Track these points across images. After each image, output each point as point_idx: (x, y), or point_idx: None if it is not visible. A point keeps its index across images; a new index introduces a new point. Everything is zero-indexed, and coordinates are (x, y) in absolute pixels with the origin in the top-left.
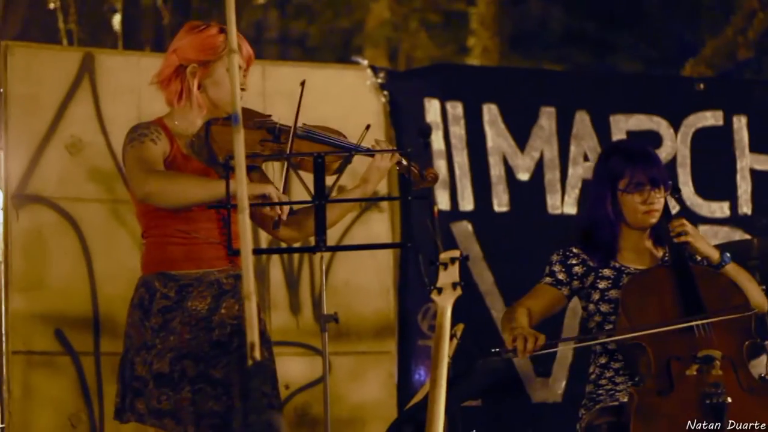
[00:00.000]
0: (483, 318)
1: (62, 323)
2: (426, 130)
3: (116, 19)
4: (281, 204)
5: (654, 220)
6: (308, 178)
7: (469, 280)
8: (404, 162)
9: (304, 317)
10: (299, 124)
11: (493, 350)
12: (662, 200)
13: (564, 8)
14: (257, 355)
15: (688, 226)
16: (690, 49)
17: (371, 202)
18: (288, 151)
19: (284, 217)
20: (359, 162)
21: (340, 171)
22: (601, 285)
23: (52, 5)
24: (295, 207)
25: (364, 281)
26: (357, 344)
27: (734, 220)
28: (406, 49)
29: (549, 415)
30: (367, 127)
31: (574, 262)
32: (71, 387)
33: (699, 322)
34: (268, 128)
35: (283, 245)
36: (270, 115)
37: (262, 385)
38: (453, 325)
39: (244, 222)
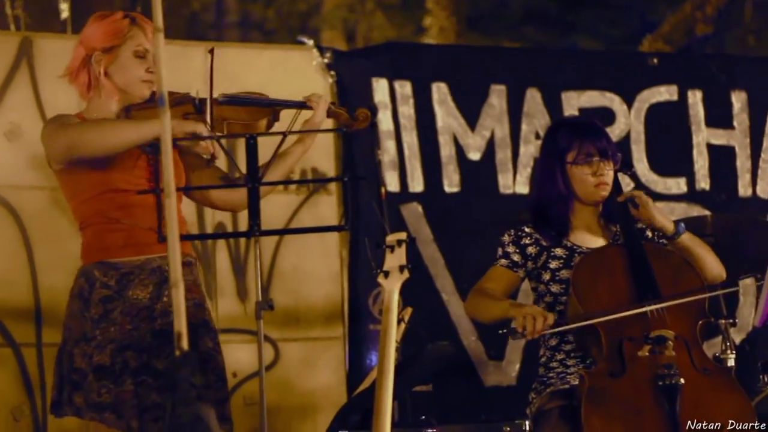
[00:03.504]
0: (433, 301)
1: (2, 314)
2: (372, 110)
3: (64, 4)
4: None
5: (605, 194)
6: None
7: (420, 262)
8: (332, 108)
9: (251, 304)
10: (215, 95)
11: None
12: (611, 173)
13: None
14: (184, 344)
15: (642, 195)
16: (651, 27)
17: (310, 183)
18: (209, 120)
19: (216, 154)
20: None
21: (269, 127)
22: (553, 265)
23: None
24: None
25: (313, 266)
26: (307, 330)
27: (692, 195)
28: (363, 30)
29: (503, 398)
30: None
31: (527, 242)
32: (13, 380)
33: (653, 307)
34: (191, 102)
35: (218, 229)
36: (188, 93)
37: (191, 376)
38: (401, 308)
39: (170, 207)
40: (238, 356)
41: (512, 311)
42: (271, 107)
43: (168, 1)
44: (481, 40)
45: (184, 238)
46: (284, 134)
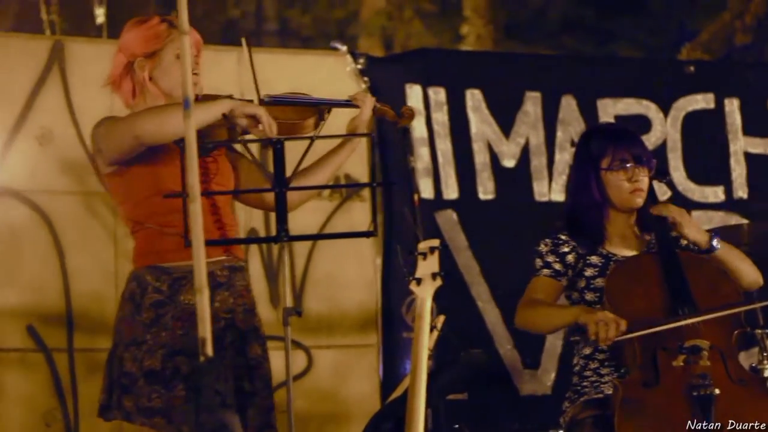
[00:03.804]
0: (469, 309)
1: (34, 319)
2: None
3: (100, 10)
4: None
5: (640, 201)
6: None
7: (455, 269)
8: (378, 106)
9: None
10: (262, 95)
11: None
12: (647, 180)
13: None
14: (209, 351)
15: (674, 210)
16: (690, 36)
17: (341, 188)
18: None
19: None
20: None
21: (316, 126)
22: (588, 273)
23: None
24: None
25: (347, 273)
26: (340, 337)
27: (729, 204)
28: (401, 38)
29: (538, 407)
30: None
31: (566, 249)
32: (44, 385)
33: (690, 321)
34: None
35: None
36: (231, 95)
37: (215, 383)
38: (434, 316)
39: (195, 212)
40: (272, 363)
41: (584, 317)
42: (318, 106)
43: (204, 7)
44: (518, 49)
45: (210, 243)
46: (312, 138)
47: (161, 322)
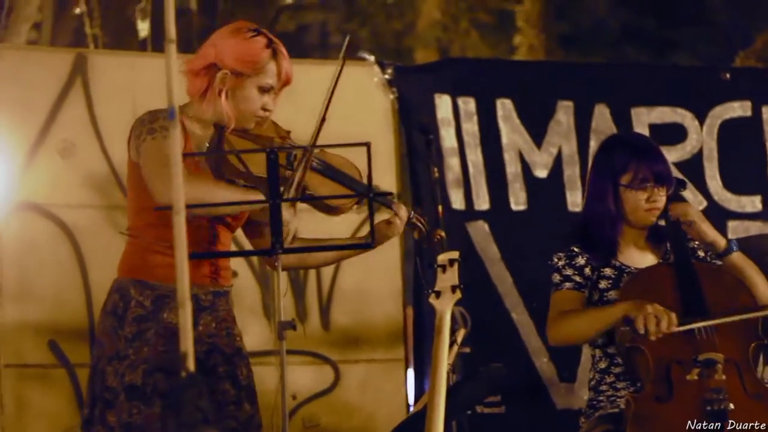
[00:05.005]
0: (503, 320)
1: (56, 334)
2: (426, 128)
3: (144, 24)
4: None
5: (654, 219)
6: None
7: (488, 281)
8: (412, 219)
9: (311, 325)
10: (317, 151)
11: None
12: (664, 198)
13: (622, 5)
14: (191, 366)
15: (692, 210)
16: (745, 45)
17: (333, 199)
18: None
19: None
20: None
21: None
22: (602, 285)
23: (78, 10)
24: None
25: (375, 285)
26: (368, 352)
27: (767, 214)
28: (457, 49)
29: (575, 421)
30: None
31: (582, 262)
32: (66, 400)
33: (702, 324)
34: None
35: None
36: (289, 132)
37: (197, 399)
38: (456, 329)
39: (179, 224)
40: (298, 378)
41: (632, 311)
42: (360, 195)
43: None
44: (574, 59)
45: (193, 256)
46: (305, 149)
47: (144, 337)
